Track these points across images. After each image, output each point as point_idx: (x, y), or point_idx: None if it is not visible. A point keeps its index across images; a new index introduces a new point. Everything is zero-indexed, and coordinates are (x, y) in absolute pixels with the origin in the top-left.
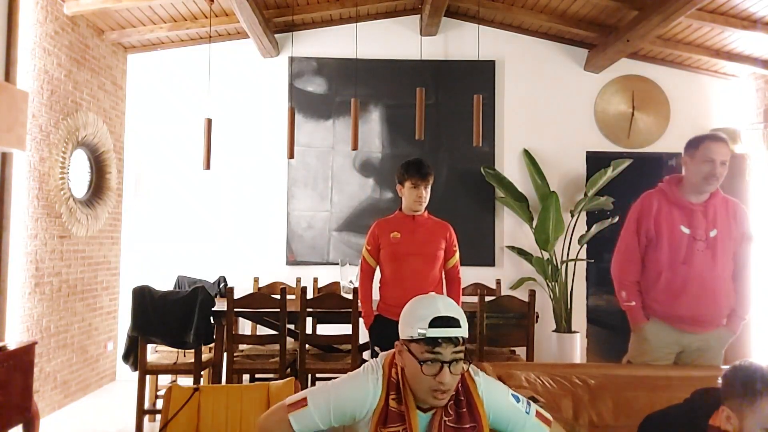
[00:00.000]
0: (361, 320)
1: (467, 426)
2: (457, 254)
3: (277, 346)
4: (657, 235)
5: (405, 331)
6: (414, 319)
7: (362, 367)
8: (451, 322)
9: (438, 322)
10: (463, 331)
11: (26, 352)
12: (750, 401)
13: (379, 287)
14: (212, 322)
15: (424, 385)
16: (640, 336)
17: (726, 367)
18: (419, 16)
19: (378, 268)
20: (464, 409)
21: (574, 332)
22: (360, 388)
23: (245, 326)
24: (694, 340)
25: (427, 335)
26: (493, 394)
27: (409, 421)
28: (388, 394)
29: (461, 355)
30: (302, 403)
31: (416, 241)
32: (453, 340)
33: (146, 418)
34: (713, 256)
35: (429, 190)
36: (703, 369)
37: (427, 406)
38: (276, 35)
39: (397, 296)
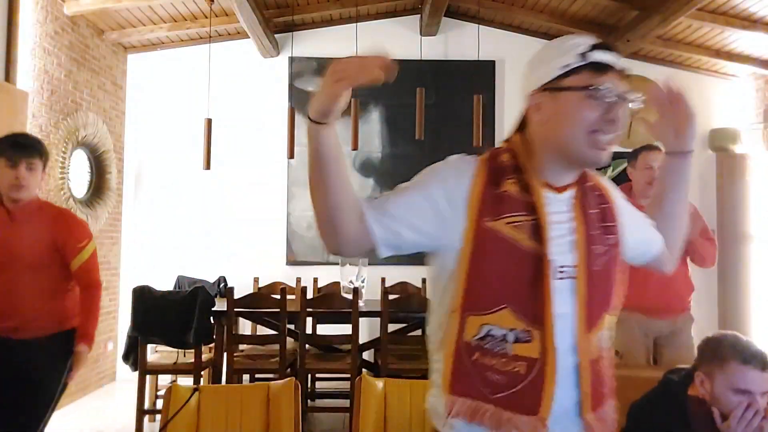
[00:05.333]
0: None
1: (610, 224)
2: (89, 249)
3: (277, 346)
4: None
5: (541, 74)
6: (559, 53)
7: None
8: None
9: (601, 47)
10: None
11: None
12: (719, 364)
13: None
14: (212, 322)
15: (579, 132)
16: (623, 327)
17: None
18: (419, 16)
19: None
20: (607, 204)
21: None
22: (441, 170)
23: (245, 326)
24: (663, 326)
25: (591, 60)
26: (620, 198)
27: (539, 205)
28: (491, 178)
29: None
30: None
31: (10, 242)
32: (620, 73)
33: (146, 418)
34: None
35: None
36: None
37: (561, 183)
38: (276, 35)
39: None
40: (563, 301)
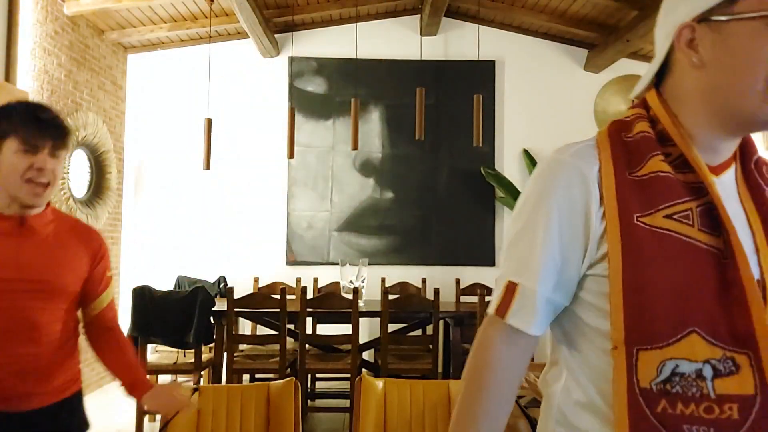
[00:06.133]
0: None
1: None
2: (111, 287)
3: (277, 346)
4: None
5: None
6: None
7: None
8: None
9: None
10: None
11: None
12: None
13: None
14: (212, 322)
15: (757, 79)
16: None
17: None
18: (419, 16)
19: None
20: None
21: None
22: (549, 180)
23: (245, 326)
24: None
25: None
26: None
27: (708, 183)
28: (624, 158)
29: None
30: (510, 291)
31: (23, 264)
32: None
33: (146, 418)
34: None
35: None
36: None
37: (716, 159)
38: (276, 35)
39: None
40: None
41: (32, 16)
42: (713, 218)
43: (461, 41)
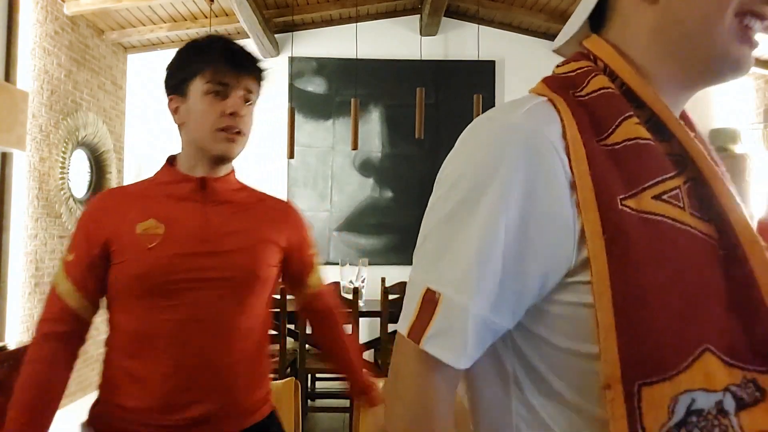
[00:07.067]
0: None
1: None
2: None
3: (277, 346)
4: None
5: None
6: None
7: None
8: None
9: None
10: None
11: (26, 352)
12: None
13: (103, 364)
14: None
15: (723, 12)
16: None
17: None
18: (419, 16)
19: (109, 318)
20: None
21: None
22: (496, 153)
23: None
24: None
25: None
26: None
27: (695, 152)
28: (589, 124)
29: None
30: (429, 303)
31: (211, 237)
32: None
33: None
34: None
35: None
36: None
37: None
38: (276, 35)
39: (150, 391)
40: None
41: (32, 16)
42: (700, 199)
43: (461, 41)
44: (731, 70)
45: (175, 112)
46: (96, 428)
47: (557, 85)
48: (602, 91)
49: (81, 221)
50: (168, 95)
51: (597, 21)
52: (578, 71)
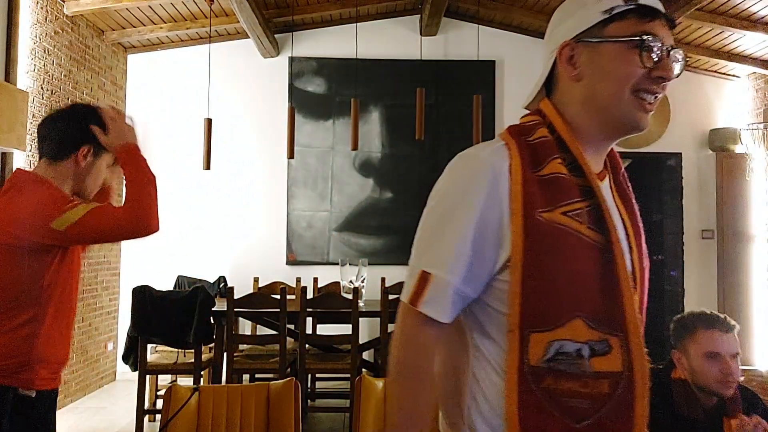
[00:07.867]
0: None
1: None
2: None
3: (277, 346)
4: None
5: (578, 21)
6: None
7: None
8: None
9: None
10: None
11: None
12: (689, 336)
13: None
14: (212, 322)
15: (623, 90)
16: None
17: None
18: (419, 16)
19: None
20: (634, 201)
21: None
22: (470, 177)
23: (245, 326)
24: None
25: (640, 1)
26: None
27: (595, 186)
28: (530, 159)
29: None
30: (423, 280)
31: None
32: (668, 22)
33: (146, 418)
34: None
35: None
36: None
37: (597, 166)
38: (276, 35)
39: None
40: None
41: (32, 16)
42: (598, 218)
43: (461, 41)
44: (633, 128)
45: None
46: None
47: (515, 132)
48: (542, 138)
49: None
50: None
51: (549, 87)
52: (531, 123)
